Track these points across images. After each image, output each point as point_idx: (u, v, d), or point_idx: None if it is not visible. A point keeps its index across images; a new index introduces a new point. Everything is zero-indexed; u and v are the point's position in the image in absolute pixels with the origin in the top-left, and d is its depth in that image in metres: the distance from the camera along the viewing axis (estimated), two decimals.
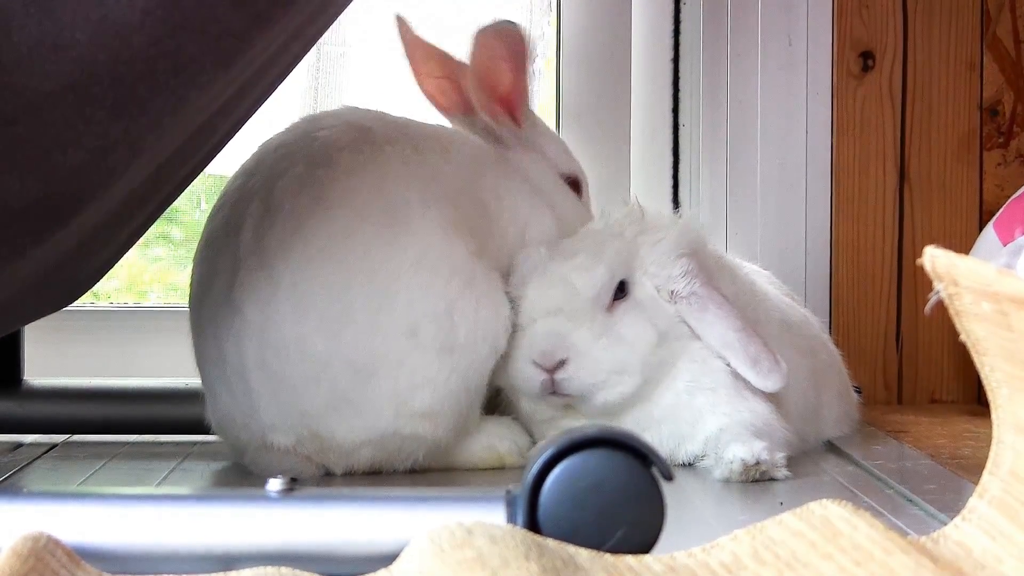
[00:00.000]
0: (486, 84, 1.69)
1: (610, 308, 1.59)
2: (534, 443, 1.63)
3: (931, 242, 1.13)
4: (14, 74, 1.04)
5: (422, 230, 1.53)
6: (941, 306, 1.05)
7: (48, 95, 1.07)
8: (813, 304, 2.13)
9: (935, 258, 1.03)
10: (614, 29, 2.29)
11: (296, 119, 1.65)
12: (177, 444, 1.81)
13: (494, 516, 1.06)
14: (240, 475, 1.58)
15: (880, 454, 1.69)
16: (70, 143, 1.12)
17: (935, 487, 1.47)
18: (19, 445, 1.82)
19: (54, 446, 1.80)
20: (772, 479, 1.53)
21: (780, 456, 1.55)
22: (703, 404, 1.59)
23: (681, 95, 2.31)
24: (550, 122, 2.28)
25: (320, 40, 1.49)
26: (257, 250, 1.51)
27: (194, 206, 2.38)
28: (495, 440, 1.62)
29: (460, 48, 1.71)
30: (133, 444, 1.82)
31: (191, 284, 1.61)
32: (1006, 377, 1.04)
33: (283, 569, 1.03)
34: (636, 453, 1.06)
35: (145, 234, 1.55)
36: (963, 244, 2.08)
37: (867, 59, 2.24)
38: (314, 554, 1.06)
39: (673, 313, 1.60)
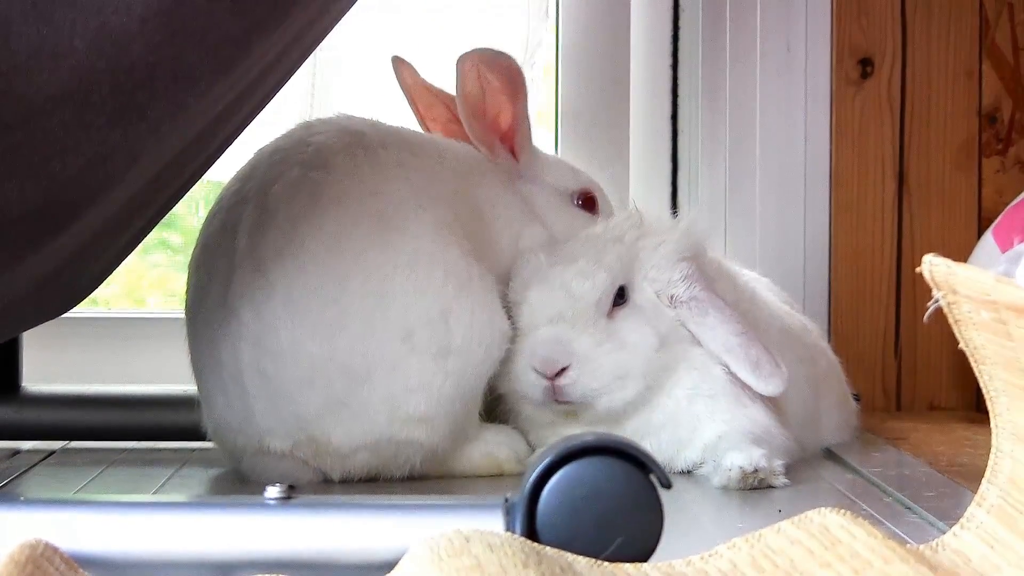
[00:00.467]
0: (478, 113, 1.67)
1: (611, 314, 1.59)
2: (533, 450, 1.63)
3: (930, 249, 1.13)
4: (13, 81, 1.04)
5: (416, 231, 1.53)
6: (940, 314, 1.05)
7: (47, 102, 1.07)
8: (812, 311, 2.13)
9: (934, 266, 1.03)
10: (613, 35, 2.29)
11: (292, 125, 1.65)
12: (175, 451, 1.81)
13: (492, 524, 1.06)
14: (238, 482, 1.58)
15: (879, 461, 1.69)
16: (69, 150, 1.12)
17: (934, 495, 1.47)
18: (17, 451, 1.82)
19: (52, 452, 1.80)
20: (770, 487, 1.53)
21: (779, 464, 1.55)
22: (702, 411, 1.59)
23: (680, 101, 2.31)
24: (549, 128, 2.29)
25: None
26: (252, 255, 1.51)
27: (193, 212, 2.38)
28: (493, 447, 1.62)
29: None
30: (131, 451, 1.82)
31: (187, 289, 1.61)
32: (1005, 385, 1.04)
33: None
34: (634, 461, 1.06)
35: (144, 240, 1.55)
36: (962, 251, 2.08)
37: (866, 66, 2.24)
38: (312, 562, 1.06)
39: (673, 317, 1.60)
